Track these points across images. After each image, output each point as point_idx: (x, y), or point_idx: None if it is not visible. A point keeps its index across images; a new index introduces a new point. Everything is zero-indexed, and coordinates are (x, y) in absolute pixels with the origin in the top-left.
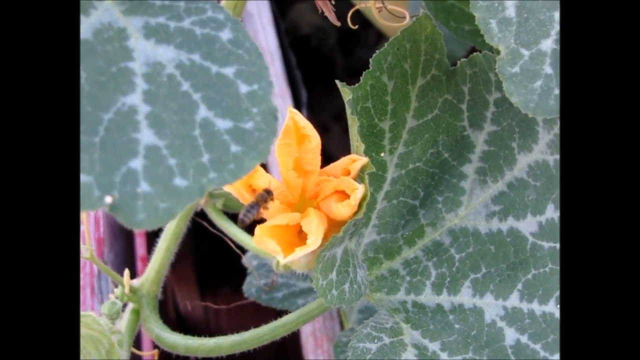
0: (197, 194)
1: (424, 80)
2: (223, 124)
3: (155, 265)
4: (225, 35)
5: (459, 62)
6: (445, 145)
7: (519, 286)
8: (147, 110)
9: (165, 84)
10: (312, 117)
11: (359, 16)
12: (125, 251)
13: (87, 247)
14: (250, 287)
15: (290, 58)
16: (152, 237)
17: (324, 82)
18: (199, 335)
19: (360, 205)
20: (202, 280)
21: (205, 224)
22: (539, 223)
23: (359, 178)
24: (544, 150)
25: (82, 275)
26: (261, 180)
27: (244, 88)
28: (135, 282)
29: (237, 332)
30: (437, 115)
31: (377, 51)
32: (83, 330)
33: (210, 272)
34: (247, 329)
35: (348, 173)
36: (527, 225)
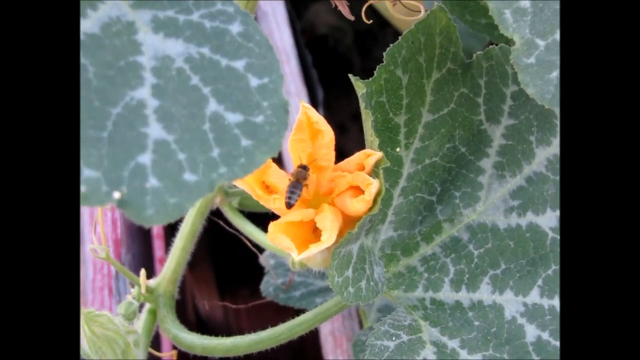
0: (207, 189)
1: (439, 73)
2: (233, 117)
3: (172, 265)
4: (235, 28)
5: (474, 55)
6: (462, 140)
7: (539, 282)
8: (155, 105)
9: (174, 77)
10: (330, 117)
11: (376, 16)
12: (143, 252)
13: (103, 248)
14: (268, 287)
15: (306, 57)
16: (170, 239)
17: (341, 82)
18: (220, 336)
19: (375, 201)
20: (221, 280)
21: (221, 222)
22: (559, 217)
23: (374, 173)
24: None
25: (99, 277)
26: (274, 176)
27: (254, 81)
28: (152, 282)
29: (260, 326)
30: (453, 109)
31: (391, 45)
32: (98, 330)
33: (229, 272)
34: (268, 323)
35: (362, 168)
36: (547, 220)
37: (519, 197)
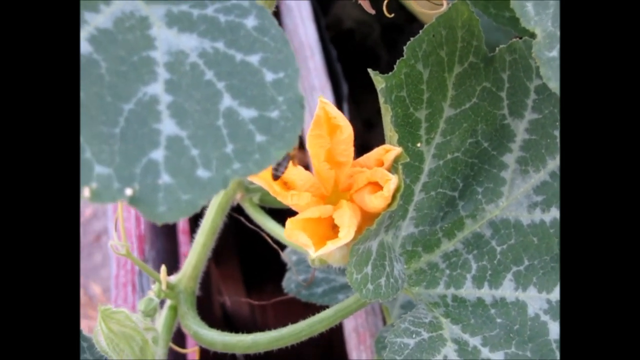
0: (221, 185)
1: (461, 67)
2: (248, 113)
3: (193, 261)
4: (250, 22)
5: (497, 48)
6: (485, 135)
7: None
8: (169, 100)
9: (188, 73)
10: (356, 112)
11: (403, 10)
12: (167, 248)
13: (123, 244)
14: (290, 283)
15: (331, 52)
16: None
17: (367, 77)
18: (246, 332)
19: (394, 197)
20: (248, 276)
21: (242, 219)
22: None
23: (393, 169)
24: None
25: (123, 273)
26: (292, 172)
27: (269, 76)
28: (173, 278)
29: (286, 322)
30: (475, 103)
31: (412, 39)
32: (115, 327)
33: (256, 268)
34: (295, 319)
35: (382, 164)
36: None
37: (542, 192)
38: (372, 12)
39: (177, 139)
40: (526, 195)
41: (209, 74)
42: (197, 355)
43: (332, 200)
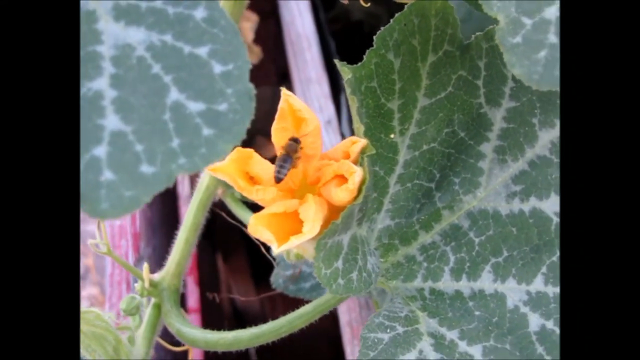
0: (165, 181)
1: (436, 56)
2: (195, 106)
3: (176, 258)
4: (200, 13)
5: (473, 36)
6: (461, 124)
7: (544, 269)
8: (113, 95)
9: (134, 66)
10: None
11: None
12: (165, 245)
13: (104, 242)
14: (278, 278)
15: (330, 44)
16: (201, 231)
17: None
18: None
19: (359, 189)
20: (256, 271)
21: (223, 214)
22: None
23: (360, 160)
24: None
25: (117, 271)
26: (258, 166)
27: (218, 68)
28: (156, 276)
29: None
30: (451, 92)
31: (382, 28)
32: (85, 327)
33: (264, 263)
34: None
35: (348, 156)
36: (551, 205)
37: (521, 182)
38: (367, 5)
39: (121, 134)
40: (504, 185)
41: (156, 67)
42: (190, 354)
43: (300, 195)
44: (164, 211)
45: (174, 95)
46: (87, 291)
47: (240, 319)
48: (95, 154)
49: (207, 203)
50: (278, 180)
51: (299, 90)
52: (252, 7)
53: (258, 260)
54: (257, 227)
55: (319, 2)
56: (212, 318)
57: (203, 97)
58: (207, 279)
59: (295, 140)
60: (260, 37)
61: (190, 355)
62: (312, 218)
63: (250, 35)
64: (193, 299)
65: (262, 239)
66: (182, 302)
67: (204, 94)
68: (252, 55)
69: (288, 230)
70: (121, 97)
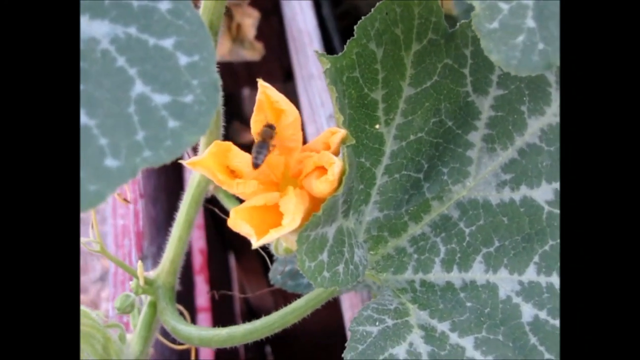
0: (130, 175)
1: (420, 45)
2: (160, 98)
3: (170, 256)
4: (164, 5)
5: (458, 24)
6: (448, 113)
7: (536, 259)
8: None
9: (98, 60)
10: None
11: None
12: None
13: (97, 241)
14: (276, 274)
15: (333, 39)
16: (211, 230)
17: None
18: None
19: (340, 180)
20: (269, 268)
21: (216, 210)
22: (555, 190)
23: (341, 151)
24: (558, 113)
25: (121, 271)
26: (237, 159)
27: (183, 60)
28: (152, 273)
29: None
30: (436, 81)
31: (363, 17)
32: None
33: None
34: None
35: (329, 147)
36: (542, 194)
37: (511, 170)
38: None
39: (85, 128)
40: (494, 174)
41: (121, 60)
42: (193, 353)
43: (283, 188)
44: (169, 210)
45: (139, 88)
46: (106, 292)
47: (253, 318)
48: None
49: (199, 199)
50: (256, 166)
51: (301, 86)
52: (254, 4)
53: (271, 259)
54: (236, 221)
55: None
56: (223, 317)
57: (168, 89)
58: (219, 278)
59: (270, 127)
60: (264, 34)
61: (193, 355)
62: (293, 210)
63: (251, 32)
64: (203, 298)
65: (242, 233)
66: (191, 301)
67: (169, 86)
68: (253, 52)
69: (269, 223)
70: (85, 91)
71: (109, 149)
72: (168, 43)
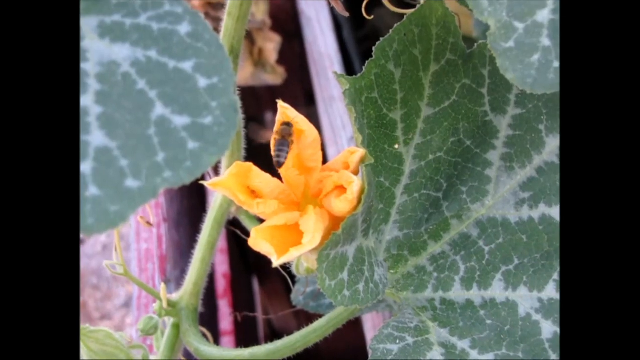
0: (150, 195)
1: (438, 65)
2: (180, 120)
3: (193, 278)
4: (184, 28)
5: (476, 44)
6: (467, 133)
7: (555, 276)
8: (99, 111)
9: (119, 83)
10: None
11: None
12: None
13: (121, 264)
14: (298, 295)
15: (354, 62)
16: (234, 254)
17: None
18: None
19: (359, 199)
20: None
21: (238, 232)
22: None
23: (360, 170)
24: None
25: (144, 294)
26: (258, 179)
27: (202, 82)
28: (175, 295)
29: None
30: (455, 101)
31: (381, 39)
32: (94, 345)
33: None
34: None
35: (348, 166)
36: None
37: (529, 188)
38: (346, 14)
39: (106, 150)
40: (513, 193)
41: (141, 83)
42: None
43: (303, 207)
44: (192, 234)
45: (159, 110)
46: (130, 318)
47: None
48: (80, 169)
49: (221, 221)
50: (279, 165)
51: (322, 108)
52: (276, 28)
53: (293, 281)
54: (257, 240)
55: (346, 22)
56: (247, 340)
57: (188, 111)
58: (242, 302)
59: (288, 124)
60: (286, 58)
61: None
62: (313, 229)
63: (273, 56)
64: (226, 322)
65: (263, 252)
66: (215, 325)
67: (189, 108)
68: (275, 76)
69: (290, 242)
70: (106, 113)
71: (129, 169)
72: (187, 65)
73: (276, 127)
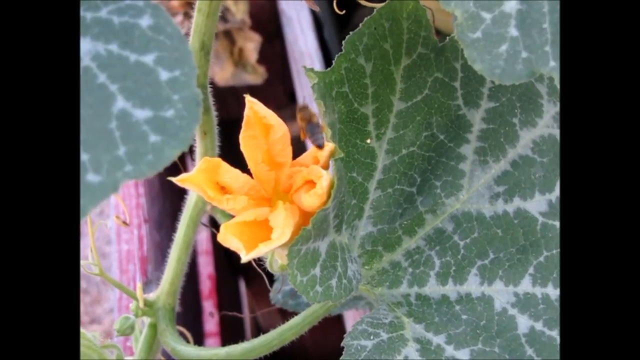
0: (111, 189)
1: (410, 59)
2: (142, 114)
3: (169, 278)
4: (145, 22)
5: (448, 37)
6: (440, 127)
7: (531, 270)
8: None
9: (80, 77)
10: None
11: None
12: None
13: (96, 264)
14: (277, 294)
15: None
16: (220, 256)
17: None
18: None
19: (329, 194)
20: None
21: (214, 230)
22: (549, 201)
23: (334, 164)
24: (550, 124)
25: (125, 296)
26: (227, 175)
27: (164, 75)
28: (152, 295)
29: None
30: (427, 95)
31: (351, 33)
32: None
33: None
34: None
35: (318, 161)
36: (536, 205)
37: (504, 182)
38: (317, 9)
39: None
40: (487, 187)
41: (102, 76)
42: None
43: (273, 203)
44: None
45: (120, 103)
46: None
47: None
48: None
49: (196, 220)
50: (321, 146)
51: None
52: (256, 27)
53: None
54: (226, 236)
55: (327, 21)
56: (234, 342)
57: (149, 105)
58: (228, 303)
59: (303, 108)
60: (267, 57)
61: None
62: (282, 224)
63: (253, 55)
64: (212, 323)
65: (232, 248)
66: (200, 326)
67: (150, 101)
68: (256, 76)
69: (260, 238)
70: None
71: (90, 164)
72: (149, 59)
73: (298, 117)
